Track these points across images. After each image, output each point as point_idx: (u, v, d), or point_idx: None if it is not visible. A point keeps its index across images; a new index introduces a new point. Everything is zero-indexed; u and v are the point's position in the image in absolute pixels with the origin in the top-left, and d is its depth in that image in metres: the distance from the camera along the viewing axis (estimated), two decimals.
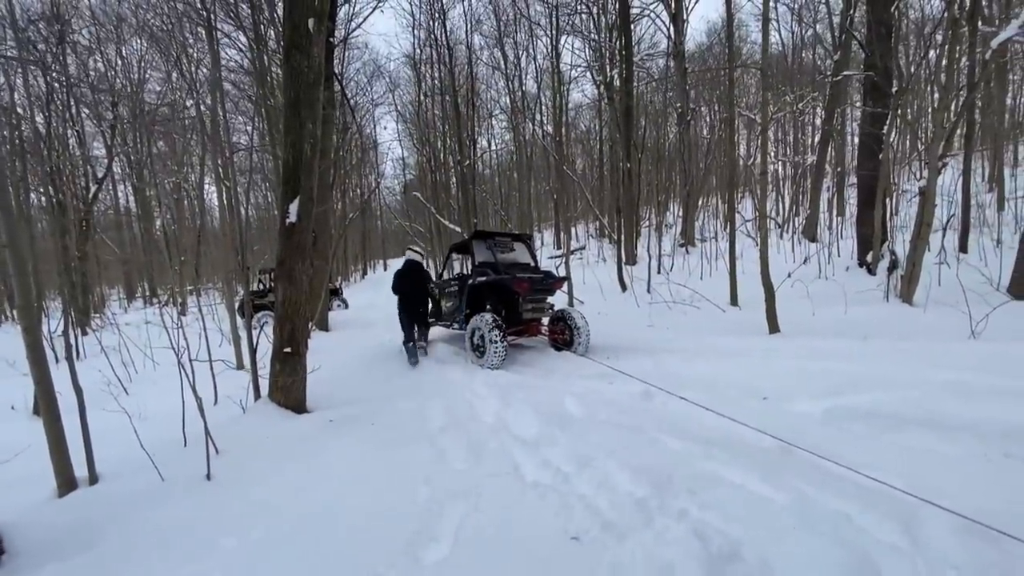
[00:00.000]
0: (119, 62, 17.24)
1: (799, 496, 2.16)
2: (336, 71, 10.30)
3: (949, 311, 5.67)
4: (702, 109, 22.51)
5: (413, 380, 5.18)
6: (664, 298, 8.79)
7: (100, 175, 16.63)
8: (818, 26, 19.85)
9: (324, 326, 9.08)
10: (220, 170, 6.60)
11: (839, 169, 17.04)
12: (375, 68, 23.82)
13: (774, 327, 6.12)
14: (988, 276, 6.63)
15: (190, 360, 3.34)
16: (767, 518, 2.02)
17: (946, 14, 6.79)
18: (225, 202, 6.82)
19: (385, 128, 47.42)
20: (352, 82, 21.30)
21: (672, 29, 14.60)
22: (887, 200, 9.89)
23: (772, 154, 21.19)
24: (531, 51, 20.99)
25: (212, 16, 6.83)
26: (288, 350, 3.89)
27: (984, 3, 12.73)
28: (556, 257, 16.89)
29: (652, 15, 15.91)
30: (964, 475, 2.33)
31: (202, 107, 9.31)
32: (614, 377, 4.55)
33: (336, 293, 14.41)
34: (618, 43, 14.78)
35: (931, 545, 1.80)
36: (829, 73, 13.47)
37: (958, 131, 10.72)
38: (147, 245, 21.19)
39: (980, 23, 9.24)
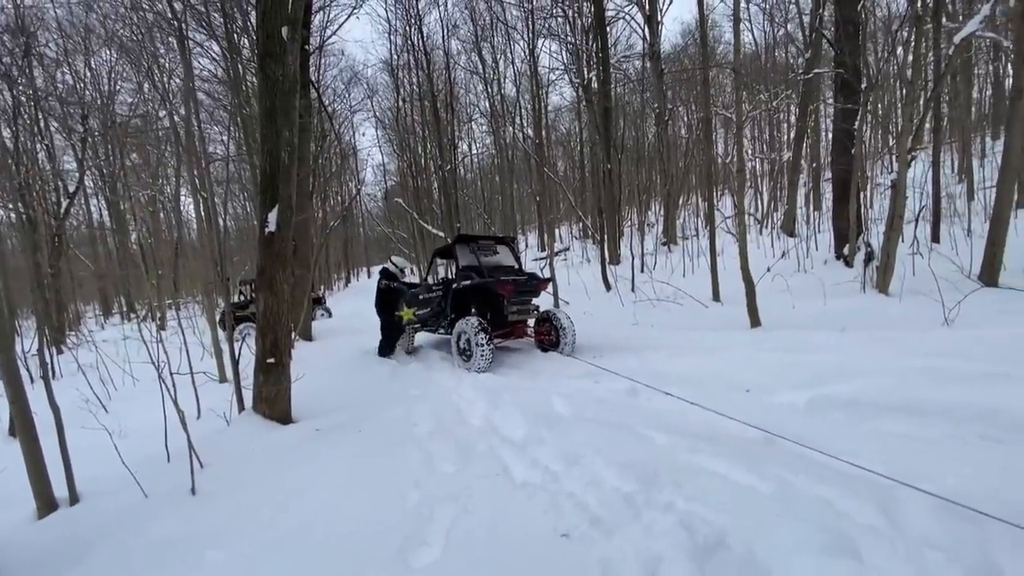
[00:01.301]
0: (88, 74, 16.86)
1: (782, 484, 2.21)
2: (312, 78, 10.23)
3: (923, 300, 5.82)
4: (679, 109, 22.79)
5: (400, 386, 5.15)
6: (648, 296, 8.88)
7: (71, 189, 16.25)
8: (789, 25, 20.34)
9: (308, 336, 8.96)
10: (196, 181, 6.50)
11: (814, 164, 17.41)
12: (352, 75, 23.59)
13: (755, 321, 6.22)
14: (959, 264, 6.84)
15: (171, 374, 3.28)
16: (751, 506, 2.06)
17: (909, 11, 6.99)
18: (202, 213, 6.72)
19: (363, 135, 47.05)
20: (329, 89, 21.13)
21: (647, 31, 14.78)
22: (861, 194, 10.15)
23: (749, 151, 21.56)
24: (509, 55, 21.07)
25: (183, 26, 6.71)
26: (271, 360, 3.85)
27: (947, 0, 13.18)
28: (541, 259, 16.95)
29: (627, 17, 16.10)
30: (941, 457, 2.40)
31: (176, 117, 9.15)
32: (600, 376, 4.58)
33: (319, 302, 14.25)
34: (594, 46, 14.92)
35: (910, 526, 1.85)
36: (801, 71, 13.77)
37: (927, 125, 11.04)
38: (123, 259, 20.71)
39: (944, 19, 9.55)
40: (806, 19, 15.53)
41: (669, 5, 16.76)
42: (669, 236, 15.38)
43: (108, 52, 15.99)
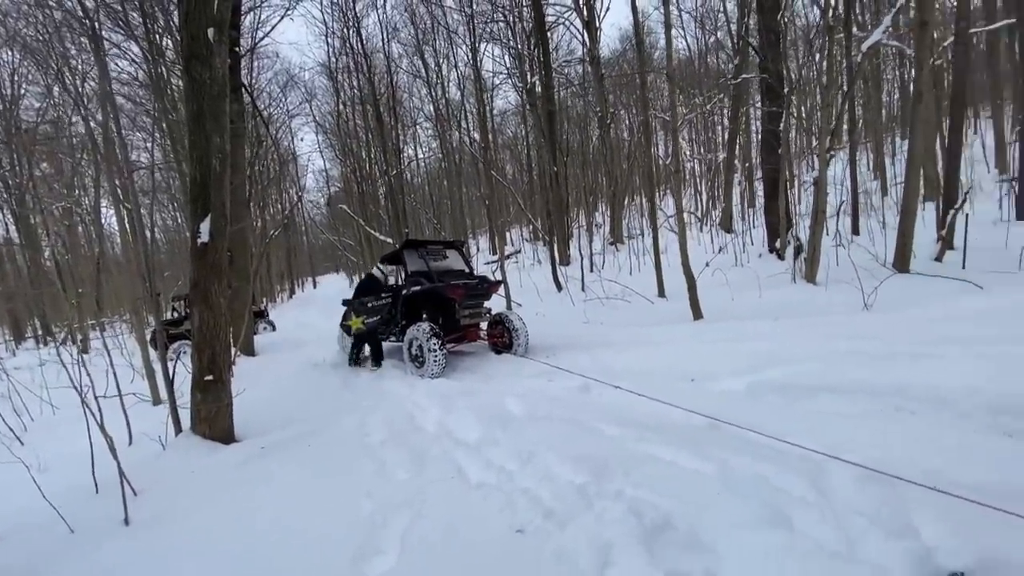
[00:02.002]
0: None
1: (724, 466, 2.32)
2: (244, 82, 9.81)
3: (846, 287, 6.29)
4: (621, 112, 23.50)
5: (351, 397, 5.01)
6: (598, 295, 9.09)
7: None
8: (719, 33, 21.44)
9: (250, 351, 8.53)
10: (119, 191, 6.06)
11: (747, 164, 18.42)
12: (288, 78, 22.75)
13: (698, 314, 6.51)
14: (875, 254, 7.42)
15: (95, 398, 3.04)
16: (695, 488, 2.16)
17: (822, 22, 7.55)
18: (127, 225, 6.27)
19: (302, 140, 45.43)
20: (264, 93, 20.34)
21: (586, 36, 15.17)
22: (789, 191, 10.82)
23: (686, 153, 22.51)
24: (452, 59, 21.01)
25: (97, 24, 6.23)
26: (210, 378, 3.65)
27: (857, 11, 14.31)
28: (492, 262, 16.98)
29: (567, 23, 16.45)
30: (864, 430, 2.61)
31: (92, 123, 8.49)
32: (553, 374, 4.64)
33: (261, 315, 13.63)
34: (536, 50, 15.15)
35: (837, 495, 2.01)
36: (731, 76, 14.54)
37: (844, 126, 11.94)
38: (35, 277, 18.98)
39: (855, 29, 10.36)
40: (734, 27, 16.41)
41: (606, 12, 17.26)
42: (616, 236, 15.82)
43: (10, 53, 14.65)
